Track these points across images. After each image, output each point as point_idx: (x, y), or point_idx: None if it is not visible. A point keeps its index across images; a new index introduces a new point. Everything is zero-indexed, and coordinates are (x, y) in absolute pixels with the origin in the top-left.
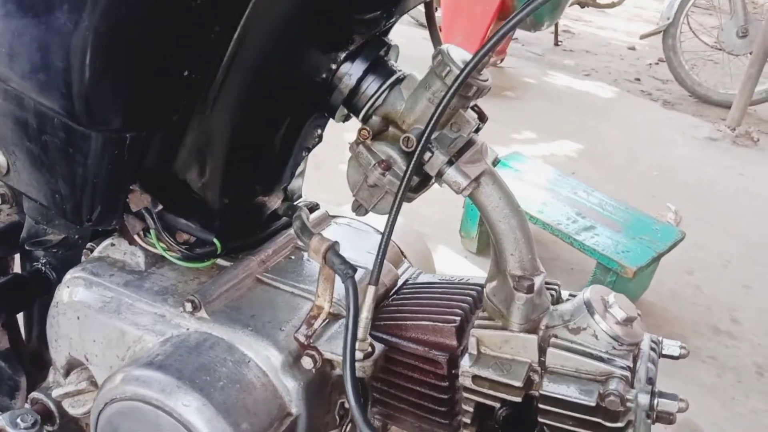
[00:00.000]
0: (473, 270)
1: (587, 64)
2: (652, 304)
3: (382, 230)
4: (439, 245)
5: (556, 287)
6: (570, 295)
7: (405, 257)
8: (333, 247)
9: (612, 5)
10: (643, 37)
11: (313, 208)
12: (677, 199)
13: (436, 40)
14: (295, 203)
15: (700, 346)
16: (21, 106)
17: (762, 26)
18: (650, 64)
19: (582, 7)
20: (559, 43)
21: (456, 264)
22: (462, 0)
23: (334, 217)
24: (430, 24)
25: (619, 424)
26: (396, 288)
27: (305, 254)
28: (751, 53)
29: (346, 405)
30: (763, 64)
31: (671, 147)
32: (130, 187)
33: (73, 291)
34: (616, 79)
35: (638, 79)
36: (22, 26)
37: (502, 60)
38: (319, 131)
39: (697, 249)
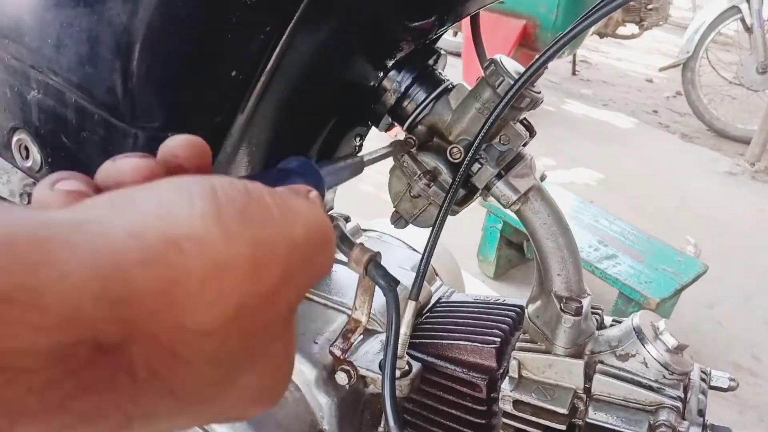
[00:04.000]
0: (491, 294)
1: (605, 94)
2: None
3: (412, 245)
4: None
5: (599, 312)
6: (614, 320)
7: (437, 275)
8: (375, 258)
9: (631, 36)
10: (662, 69)
11: (345, 219)
12: (696, 232)
13: (481, 53)
14: (329, 213)
15: None
16: (61, 101)
17: None
18: (668, 96)
19: (601, 37)
20: (577, 73)
21: (473, 288)
22: (484, 26)
23: (365, 230)
24: (476, 37)
25: None
26: (429, 306)
27: (337, 266)
28: None
29: None
30: None
31: (690, 180)
32: None
33: None
34: (634, 110)
35: (656, 111)
36: (73, 17)
37: None
38: (359, 140)
39: (717, 283)
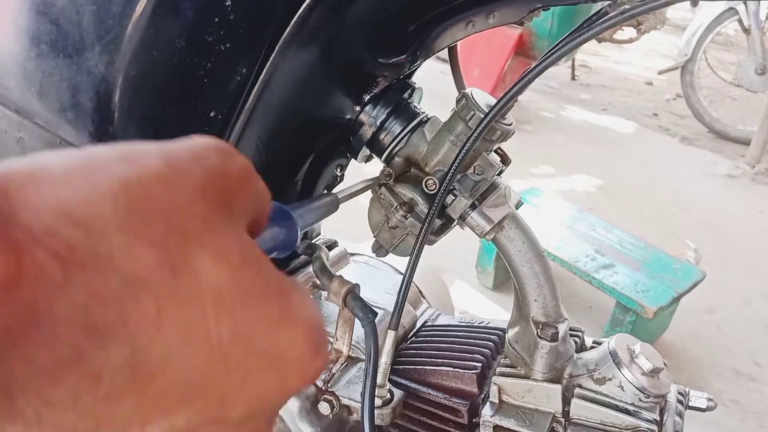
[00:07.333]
0: (489, 305)
1: (604, 98)
2: (672, 344)
3: (401, 269)
4: (455, 280)
5: (579, 334)
6: (594, 342)
7: (424, 297)
8: (353, 290)
9: (629, 41)
10: (661, 72)
11: (331, 245)
12: (696, 237)
13: (459, 83)
14: (313, 241)
15: (721, 389)
16: (46, 144)
17: None
18: (668, 99)
19: (599, 42)
20: (576, 78)
21: (472, 299)
22: (481, 35)
23: (352, 254)
24: (454, 67)
25: None
26: (415, 330)
27: (323, 293)
28: None
29: None
30: None
31: (690, 183)
32: None
33: None
34: (634, 114)
35: (656, 114)
36: (53, 66)
37: None
38: (340, 171)
39: (718, 288)
